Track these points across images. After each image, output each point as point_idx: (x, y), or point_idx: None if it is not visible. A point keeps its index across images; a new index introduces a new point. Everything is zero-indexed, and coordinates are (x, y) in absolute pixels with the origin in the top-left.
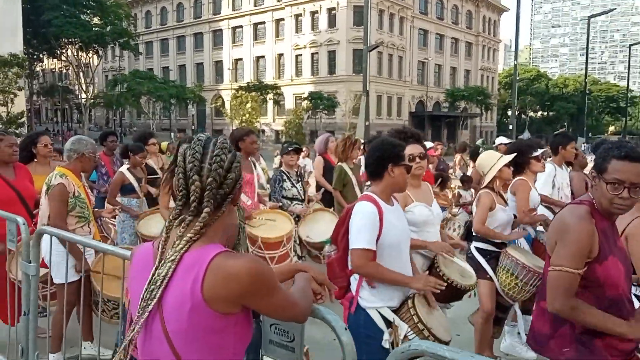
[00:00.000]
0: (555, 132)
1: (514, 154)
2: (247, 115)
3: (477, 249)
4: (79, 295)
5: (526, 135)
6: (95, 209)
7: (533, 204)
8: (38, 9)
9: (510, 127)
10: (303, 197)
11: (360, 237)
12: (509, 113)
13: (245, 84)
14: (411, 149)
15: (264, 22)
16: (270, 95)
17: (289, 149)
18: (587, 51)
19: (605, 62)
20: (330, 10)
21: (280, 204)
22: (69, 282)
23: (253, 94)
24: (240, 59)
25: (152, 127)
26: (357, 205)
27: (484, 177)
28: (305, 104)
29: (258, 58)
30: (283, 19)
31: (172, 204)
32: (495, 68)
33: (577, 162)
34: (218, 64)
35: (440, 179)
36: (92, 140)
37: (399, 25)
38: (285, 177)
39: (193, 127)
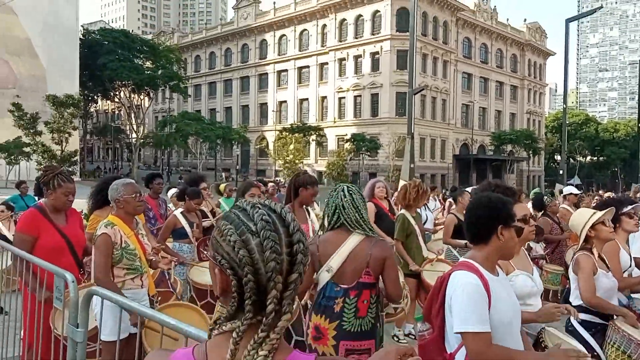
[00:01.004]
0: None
1: (608, 209)
2: (291, 155)
3: (580, 321)
4: (129, 355)
5: (576, 180)
6: (153, 259)
7: (624, 266)
8: (95, 54)
9: (561, 172)
10: None
11: (472, 318)
12: (557, 157)
13: (289, 126)
14: (521, 209)
15: (308, 66)
16: (313, 137)
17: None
18: None
19: None
20: (373, 54)
21: None
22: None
23: (296, 135)
24: (285, 101)
25: (199, 167)
26: (456, 277)
27: (578, 237)
28: (347, 145)
29: (302, 100)
30: (327, 63)
31: None
32: (541, 112)
33: None
34: (263, 106)
35: None
36: (128, 181)
37: (443, 69)
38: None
39: (237, 167)
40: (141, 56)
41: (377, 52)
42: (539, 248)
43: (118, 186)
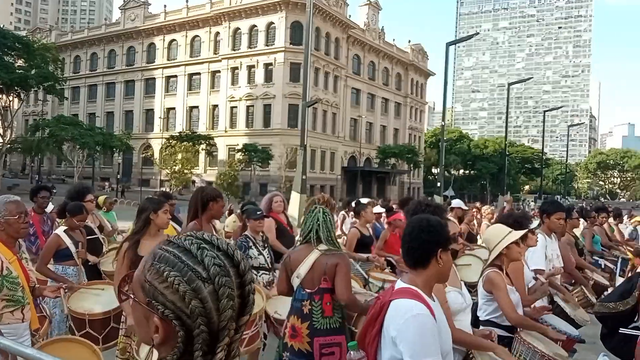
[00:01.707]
0: (545, 200)
1: (525, 230)
2: (179, 165)
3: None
4: None
5: (450, 192)
6: (37, 286)
7: (527, 282)
8: None
9: (439, 184)
10: (270, 265)
11: (426, 352)
12: (433, 171)
13: (177, 134)
14: (452, 227)
15: (199, 73)
16: (202, 146)
17: (258, 213)
18: (507, 115)
19: (520, 126)
20: (267, 65)
21: None
22: None
23: (185, 144)
24: (173, 108)
25: (76, 176)
26: (400, 305)
27: (489, 253)
28: (239, 155)
29: (191, 108)
30: (219, 71)
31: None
32: (422, 128)
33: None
34: (149, 112)
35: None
36: (12, 199)
37: (333, 83)
38: (251, 244)
39: (118, 176)
40: (12, 53)
41: (271, 63)
42: None
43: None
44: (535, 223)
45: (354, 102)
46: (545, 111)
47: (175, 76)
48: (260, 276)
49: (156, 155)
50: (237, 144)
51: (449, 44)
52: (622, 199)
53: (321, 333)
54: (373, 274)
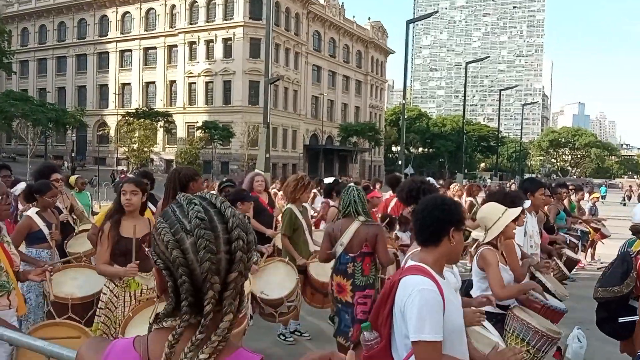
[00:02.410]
0: (525, 178)
1: (520, 208)
2: (138, 143)
3: None
4: None
5: (410, 170)
6: (22, 270)
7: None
8: None
9: (400, 162)
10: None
11: (425, 326)
12: (393, 149)
13: (134, 110)
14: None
15: (155, 48)
16: (160, 123)
17: (242, 195)
18: (465, 94)
19: (476, 105)
20: (226, 40)
21: None
22: None
23: (143, 121)
24: (128, 84)
25: (28, 154)
26: (409, 282)
27: (485, 231)
28: (198, 133)
29: (148, 84)
30: (176, 46)
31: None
32: (382, 106)
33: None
34: (103, 88)
35: (387, 220)
36: None
37: (294, 60)
38: None
39: (73, 154)
40: None
41: (230, 39)
42: (405, 237)
43: None
44: (527, 202)
45: (315, 80)
46: (501, 90)
47: (130, 50)
48: None
49: (112, 132)
50: (197, 122)
51: (409, 22)
52: (574, 176)
53: (360, 288)
54: None
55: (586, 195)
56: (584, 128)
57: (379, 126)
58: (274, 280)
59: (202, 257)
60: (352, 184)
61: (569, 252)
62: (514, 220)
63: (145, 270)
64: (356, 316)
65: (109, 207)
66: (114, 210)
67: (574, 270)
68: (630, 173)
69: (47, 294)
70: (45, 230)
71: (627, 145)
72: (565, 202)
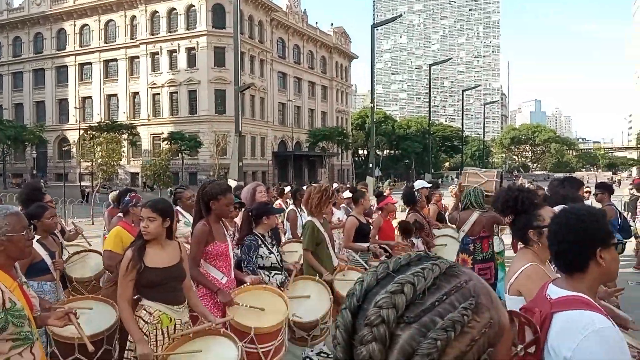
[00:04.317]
0: (562, 178)
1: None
2: (105, 157)
3: None
4: None
5: (377, 172)
6: (40, 314)
7: None
8: None
9: (370, 165)
10: (280, 264)
11: None
12: (360, 152)
13: (96, 124)
14: (549, 213)
15: (116, 59)
16: (125, 136)
17: (267, 208)
18: (430, 95)
19: (438, 106)
20: (189, 49)
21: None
22: None
23: (106, 135)
24: (89, 97)
25: None
26: (573, 319)
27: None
28: (165, 145)
29: (109, 96)
30: (138, 57)
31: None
32: (348, 110)
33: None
34: (62, 103)
35: (404, 228)
36: (12, 210)
37: (260, 68)
38: (260, 242)
39: (34, 172)
40: None
41: (194, 48)
42: (419, 244)
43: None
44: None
45: (281, 86)
46: (463, 90)
47: (90, 63)
48: (273, 277)
49: (74, 147)
50: (162, 133)
51: (373, 26)
52: (536, 171)
53: (479, 262)
54: (374, 262)
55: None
56: (543, 124)
57: (346, 130)
58: (305, 301)
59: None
60: (470, 188)
61: None
62: None
63: (177, 303)
64: None
65: (116, 230)
66: (138, 236)
67: None
68: (588, 166)
69: (50, 333)
70: (48, 260)
71: (583, 139)
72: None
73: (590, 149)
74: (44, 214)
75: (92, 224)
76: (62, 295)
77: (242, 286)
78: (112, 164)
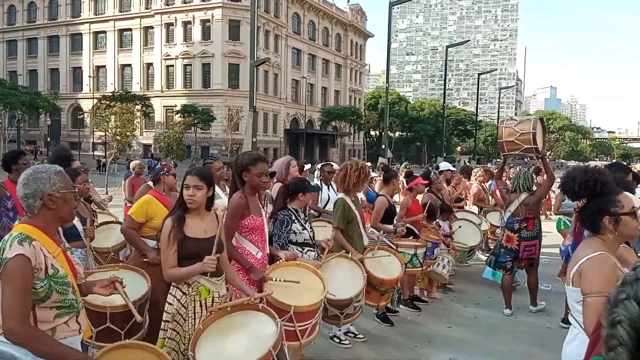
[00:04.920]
0: (609, 164)
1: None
2: (120, 127)
3: None
4: None
5: (389, 154)
6: (85, 282)
7: None
8: None
9: (383, 146)
10: (313, 241)
11: None
12: (372, 133)
13: (110, 94)
14: (627, 200)
15: (130, 29)
16: (138, 107)
17: (305, 185)
18: (445, 78)
19: (452, 89)
20: (204, 22)
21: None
22: None
23: (120, 105)
24: (103, 67)
25: (1, 140)
26: None
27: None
28: (177, 117)
29: (123, 67)
30: (152, 27)
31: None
32: (362, 90)
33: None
34: (76, 71)
35: (428, 208)
36: (57, 167)
37: (274, 43)
38: (294, 218)
39: (48, 139)
40: None
41: (208, 20)
42: (446, 227)
43: (49, 174)
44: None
45: (295, 63)
46: (479, 74)
47: (104, 32)
48: (305, 253)
49: (87, 117)
50: (175, 105)
51: (392, 4)
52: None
53: (525, 239)
54: (401, 242)
55: None
56: (558, 112)
57: (359, 110)
58: (338, 278)
59: None
60: (520, 170)
61: None
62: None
63: (216, 276)
64: (522, 258)
65: (146, 197)
66: (176, 206)
67: None
68: (601, 156)
69: (80, 301)
70: (79, 227)
71: (597, 128)
72: None
73: (605, 138)
74: (77, 179)
75: (106, 193)
76: (92, 263)
77: (276, 262)
78: (127, 134)
